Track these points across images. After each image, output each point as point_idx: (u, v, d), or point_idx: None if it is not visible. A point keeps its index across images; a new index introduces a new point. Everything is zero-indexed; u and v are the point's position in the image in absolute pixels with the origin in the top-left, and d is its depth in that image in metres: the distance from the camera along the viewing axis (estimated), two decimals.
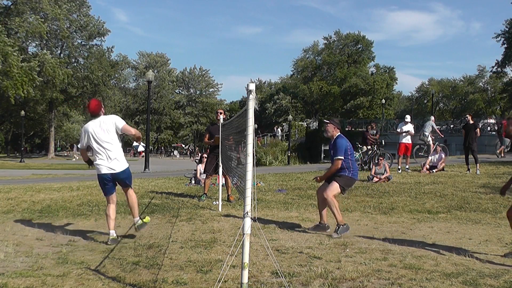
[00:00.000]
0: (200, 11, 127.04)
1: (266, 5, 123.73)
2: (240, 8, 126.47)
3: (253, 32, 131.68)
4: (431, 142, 14.74)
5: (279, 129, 47.08)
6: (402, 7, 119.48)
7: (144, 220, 5.66)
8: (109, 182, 5.47)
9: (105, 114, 5.61)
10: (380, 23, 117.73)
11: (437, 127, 15.91)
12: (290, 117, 42.05)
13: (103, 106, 5.72)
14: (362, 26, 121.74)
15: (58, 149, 59.83)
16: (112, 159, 5.41)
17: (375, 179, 11.43)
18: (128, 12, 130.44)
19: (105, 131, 5.41)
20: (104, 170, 5.41)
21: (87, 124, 5.56)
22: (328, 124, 6.14)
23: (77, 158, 46.31)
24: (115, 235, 5.46)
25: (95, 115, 5.50)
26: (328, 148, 6.58)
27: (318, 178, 6.35)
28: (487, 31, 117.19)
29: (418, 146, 16.03)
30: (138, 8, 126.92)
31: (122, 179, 5.52)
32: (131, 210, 5.71)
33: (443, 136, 16.55)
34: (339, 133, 6.13)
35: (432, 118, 15.91)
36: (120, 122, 5.50)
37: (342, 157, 5.89)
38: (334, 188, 5.90)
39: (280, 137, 43.58)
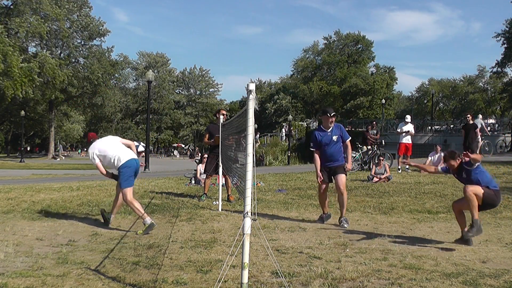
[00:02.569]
0: (200, 11, 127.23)
1: (266, 5, 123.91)
2: (240, 8, 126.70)
3: (253, 32, 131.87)
4: (479, 139, 15.06)
5: (283, 129, 46.85)
6: (402, 7, 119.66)
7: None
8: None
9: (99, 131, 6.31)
10: (380, 23, 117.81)
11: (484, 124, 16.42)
12: (290, 117, 42.02)
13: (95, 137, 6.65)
14: (362, 26, 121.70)
15: (58, 149, 59.72)
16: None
17: (375, 179, 11.44)
18: (128, 12, 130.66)
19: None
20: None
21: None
22: (334, 114, 6.51)
23: (63, 158, 46.41)
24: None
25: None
26: (320, 141, 6.49)
27: (348, 166, 6.52)
28: (487, 31, 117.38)
29: None
30: (138, 8, 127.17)
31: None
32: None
33: (489, 134, 16.65)
34: None
35: (480, 116, 16.26)
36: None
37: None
38: (345, 181, 6.43)
39: (284, 138, 43.49)
